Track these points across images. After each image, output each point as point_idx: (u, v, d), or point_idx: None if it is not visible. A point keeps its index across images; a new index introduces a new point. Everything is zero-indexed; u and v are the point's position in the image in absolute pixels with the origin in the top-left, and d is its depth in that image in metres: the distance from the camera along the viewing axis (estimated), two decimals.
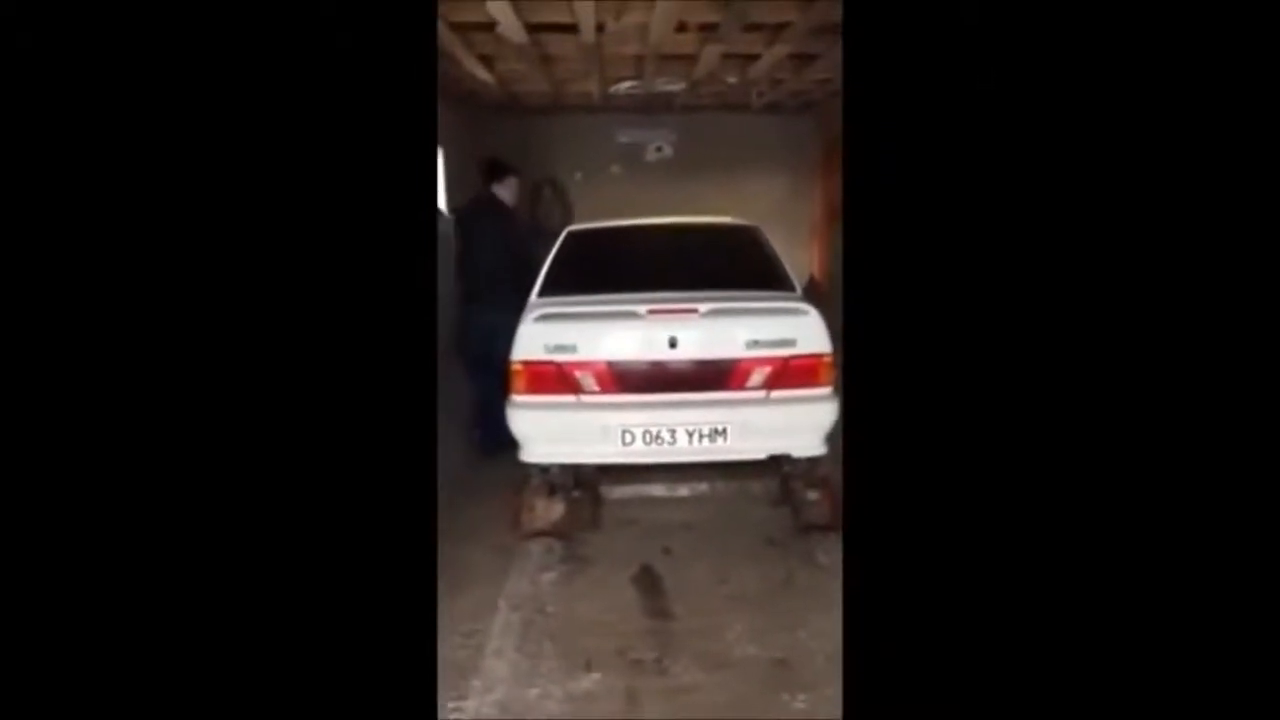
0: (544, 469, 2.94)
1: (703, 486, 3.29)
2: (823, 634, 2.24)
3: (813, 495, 2.95)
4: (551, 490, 2.95)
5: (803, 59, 4.48)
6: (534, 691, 1.98)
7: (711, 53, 4.10)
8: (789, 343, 2.74)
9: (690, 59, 4.44)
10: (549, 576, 2.63)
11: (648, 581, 2.58)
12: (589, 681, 2.02)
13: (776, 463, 2.98)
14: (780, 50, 4.02)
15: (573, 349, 2.73)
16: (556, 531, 2.87)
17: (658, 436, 2.72)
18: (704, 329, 2.73)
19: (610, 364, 2.76)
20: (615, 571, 2.65)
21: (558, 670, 2.07)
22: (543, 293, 3.10)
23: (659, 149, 6.69)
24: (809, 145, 6.73)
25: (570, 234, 3.42)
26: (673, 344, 2.73)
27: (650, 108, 6.24)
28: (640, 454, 2.77)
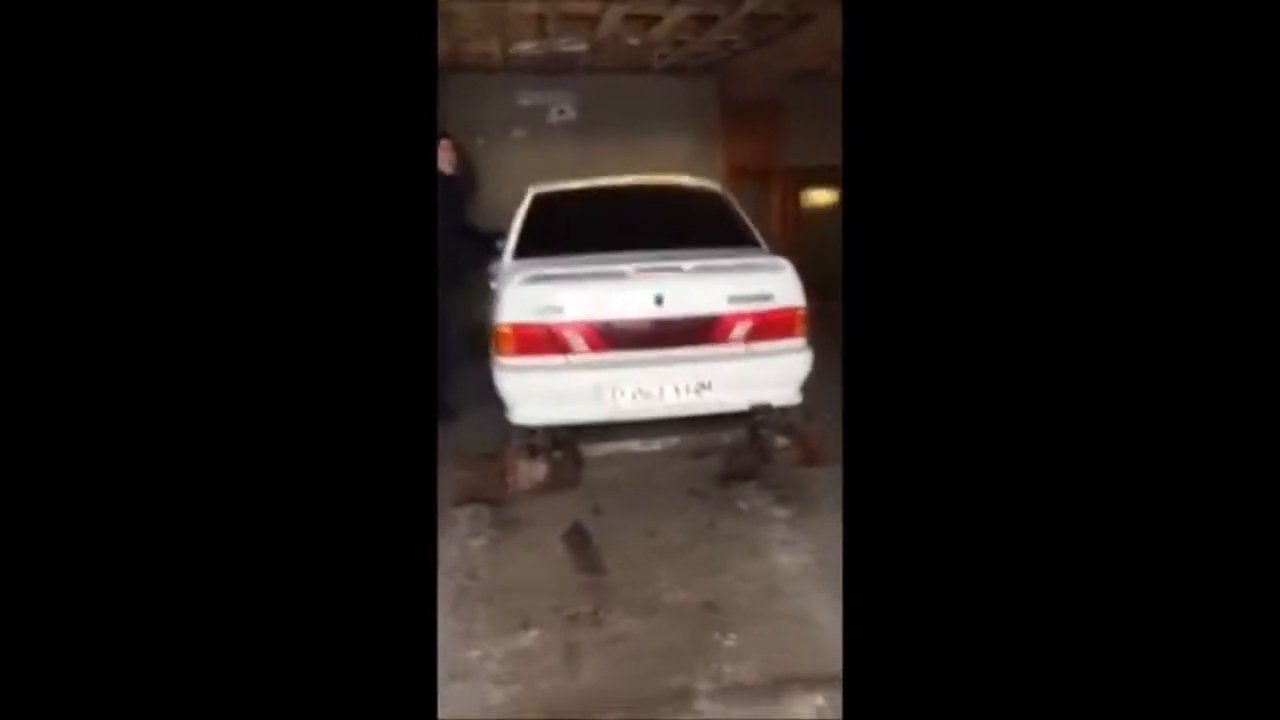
0: (531, 430, 2.95)
1: (675, 440, 3.31)
2: (747, 576, 2.37)
3: (782, 441, 3.09)
4: (532, 451, 2.97)
5: (704, 20, 4.52)
6: (474, 653, 2.01)
7: (614, 14, 4.07)
8: (767, 297, 2.83)
9: (592, 19, 4.39)
10: (478, 542, 2.64)
11: (578, 539, 2.64)
12: (527, 639, 2.07)
13: (744, 413, 3.08)
14: (682, 12, 4.04)
15: (561, 310, 2.75)
16: (543, 490, 2.91)
17: (646, 393, 2.79)
18: (688, 286, 2.79)
19: (598, 323, 2.79)
20: (545, 533, 2.69)
21: (495, 631, 2.11)
22: (518, 255, 3.09)
23: (561, 112, 6.57)
24: (711, 107, 6.80)
25: (537, 196, 3.40)
26: (659, 301, 2.77)
27: (551, 69, 6.12)
28: (629, 410, 2.82)
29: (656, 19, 4.36)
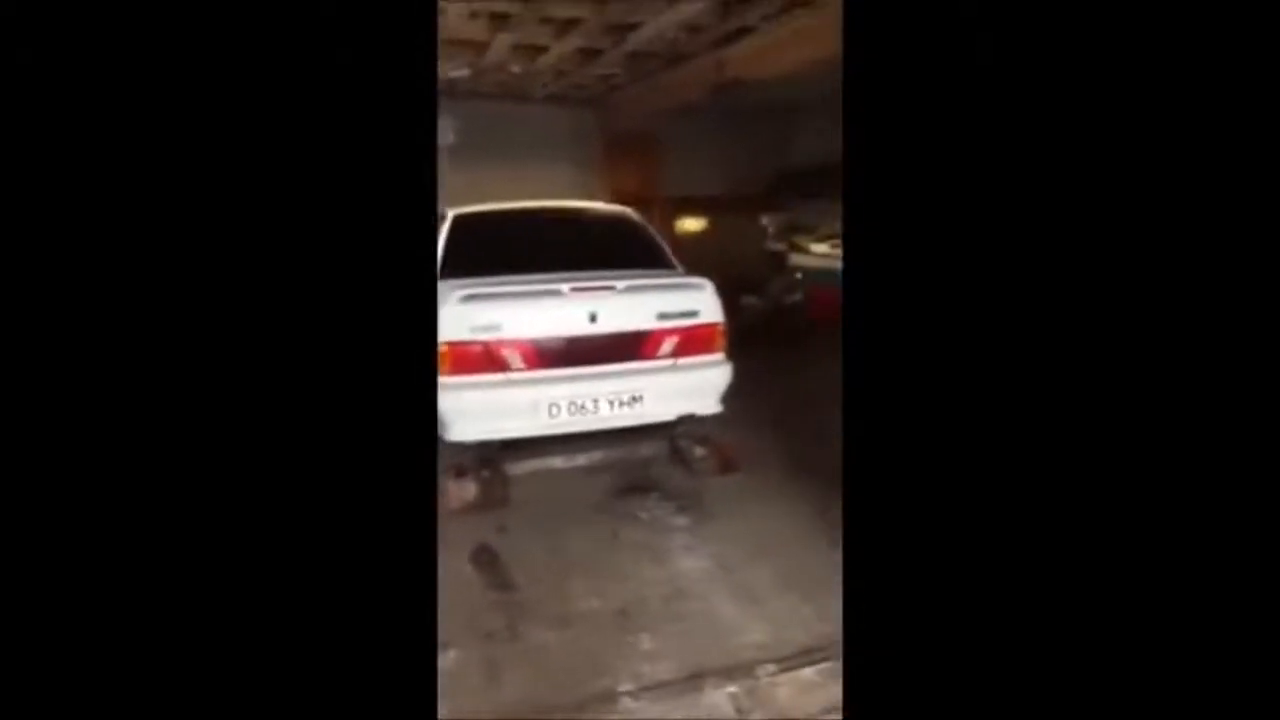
0: (465, 449, 2.94)
1: (598, 455, 3.37)
2: (653, 581, 2.48)
3: (700, 451, 3.27)
4: (460, 471, 2.96)
5: (588, 54, 4.69)
6: None
7: (502, 42, 4.15)
8: (692, 314, 3.02)
9: (477, 46, 4.44)
10: None
11: (486, 559, 2.64)
12: (446, 660, 2.06)
13: (662, 426, 3.25)
14: (570, 44, 4.19)
15: (498, 328, 2.79)
16: (473, 510, 2.91)
17: (582, 407, 2.88)
18: (621, 304, 2.91)
19: (535, 340, 2.84)
20: (452, 555, 2.67)
21: None
22: (444, 275, 3.09)
23: (443, 135, 6.55)
24: (591, 137, 7.01)
25: (457, 217, 3.43)
26: (593, 319, 2.88)
27: None
28: (566, 424, 2.90)
29: (543, 49, 4.48)
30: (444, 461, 2.95)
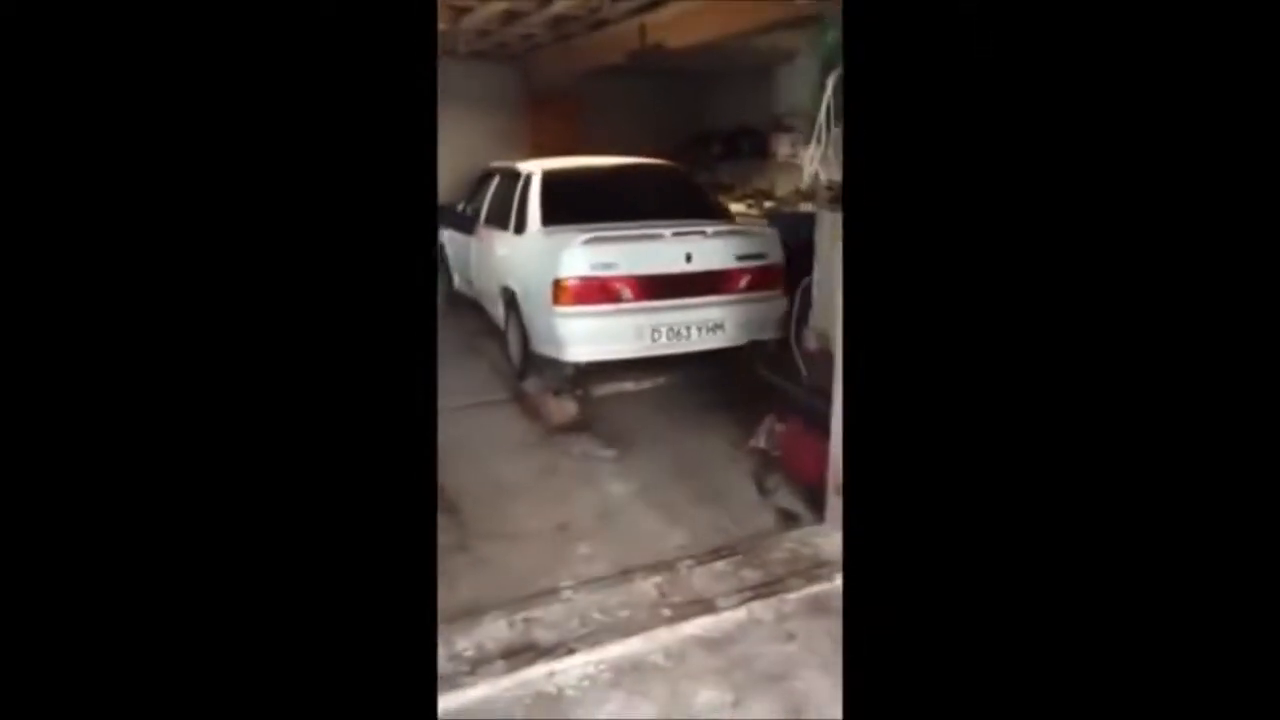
0: (557, 372, 3.59)
1: (662, 380, 3.94)
2: (588, 503, 2.81)
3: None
4: (558, 392, 3.55)
5: (510, 15, 4.81)
6: None
7: None
8: (762, 256, 3.72)
9: None
10: None
11: None
12: None
13: (710, 355, 3.80)
14: (495, 7, 4.31)
15: (613, 265, 3.36)
16: (576, 425, 3.43)
17: (677, 333, 3.56)
18: (709, 247, 3.59)
19: (642, 276, 3.47)
20: None
21: None
22: (545, 223, 3.85)
23: None
24: (514, 92, 7.11)
25: (546, 172, 4.03)
26: (688, 259, 3.53)
27: None
28: (663, 348, 3.52)
29: (468, 9, 4.58)
30: (541, 385, 3.62)
